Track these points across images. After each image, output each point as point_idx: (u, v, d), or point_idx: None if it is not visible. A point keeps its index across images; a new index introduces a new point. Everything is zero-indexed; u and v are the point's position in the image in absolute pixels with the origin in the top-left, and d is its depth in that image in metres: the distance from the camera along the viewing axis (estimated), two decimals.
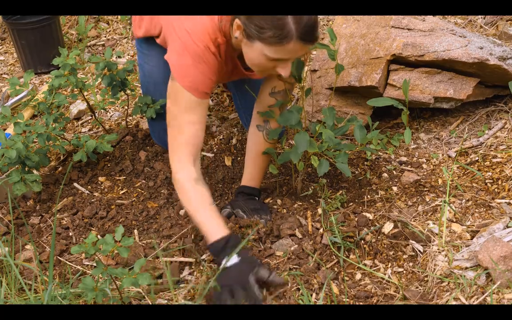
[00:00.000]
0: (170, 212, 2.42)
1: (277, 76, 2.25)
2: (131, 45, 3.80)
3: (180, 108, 2.14)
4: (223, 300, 1.90)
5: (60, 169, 2.76)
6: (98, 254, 1.96)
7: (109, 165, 2.74)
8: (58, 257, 2.27)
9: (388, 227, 2.23)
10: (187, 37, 2.08)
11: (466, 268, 2.03)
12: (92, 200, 2.54)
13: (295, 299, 1.97)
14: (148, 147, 2.80)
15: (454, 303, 1.91)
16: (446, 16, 3.44)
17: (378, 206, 2.39)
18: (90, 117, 3.17)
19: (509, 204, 2.29)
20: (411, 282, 2.05)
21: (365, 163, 2.66)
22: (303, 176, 2.50)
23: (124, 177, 2.68)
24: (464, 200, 2.36)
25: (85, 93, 3.16)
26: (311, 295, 1.99)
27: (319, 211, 2.30)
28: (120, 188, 2.62)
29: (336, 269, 2.10)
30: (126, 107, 3.02)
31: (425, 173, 2.56)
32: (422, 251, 2.15)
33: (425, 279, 2.05)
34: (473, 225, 2.22)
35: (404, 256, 2.15)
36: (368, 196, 2.44)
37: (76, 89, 3.20)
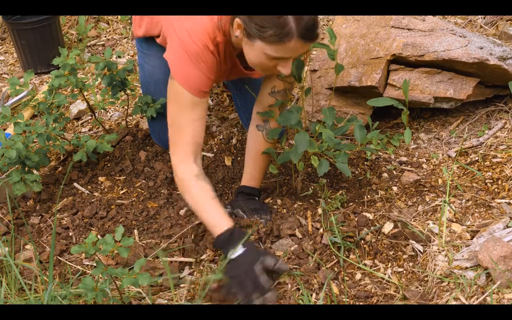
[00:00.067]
0: (170, 212, 2.42)
1: (277, 76, 2.25)
2: (131, 45, 3.80)
3: (179, 107, 2.14)
4: (232, 291, 1.92)
5: (60, 169, 2.76)
6: (98, 254, 1.96)
7: (109, 165, 2.74)
8: (58, 257, 2.27)
9: (388, 227, 2.23)
10: (186, 36, 2.09)
11: (466, 268, 2.03)
12: (92, 200, 2.54)
13: (295, 299, 1.97)
14: (148, 147, 2.80)
15: (454, 303, 1.91)
16: (446, 16, 3.44)
17: (378, 206, 2.39)
18: (90, 117, 3.17)
19: (509, 204, 2.29)
20: (411, 282, 2.05)
21: (365, 162, 2.66)
22: (303, 176, 2.50)
23: (124, 177, 2.68)
24: (464, 200, 2.36)
25: (85, 93, 3.16)
26: (311, 295, 1.99)
27: (319, 211, 2.30)
28: (120, 188, 2.62)
29: (336, 269, 2.10)
30: (126, 107, 3.02)
31: (425, 173, 2.56)
32: (422, 251, 2.15)
33: (425, 279, 2.05)
34: (473, 225, 2.22)
35: (404, 256, 2.15)
36: (368, 196, 2.44)
37: (76, 89, 3.20)
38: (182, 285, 2.10)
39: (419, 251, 2.15)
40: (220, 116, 3.04)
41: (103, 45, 3.84)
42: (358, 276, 2.09)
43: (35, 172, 2.59)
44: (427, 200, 2.39)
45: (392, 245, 2.18)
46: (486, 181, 2.43)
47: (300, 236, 2.21)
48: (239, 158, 2.76)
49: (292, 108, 2.25)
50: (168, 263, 2.18)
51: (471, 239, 2.16)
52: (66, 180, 2.64)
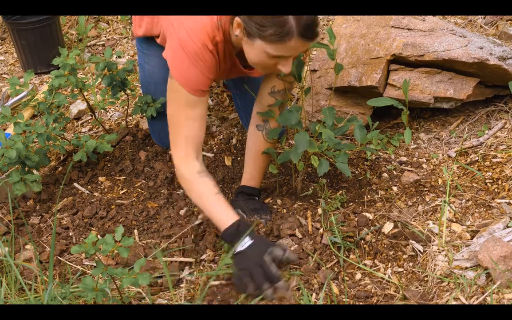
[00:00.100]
0: (170, 212, 2.42)
1: (276, 75, 2.25)
2: (131, 45, 3.80)
3: (179, 105, 2.15)
4: (244, 283, 1.94)
5: (60, 169, 2.76)
6: (98, 254, 1.96)
7: (109, 165, 2.74)
8: (58, 257, 2.27)
9: (388, 227, 2.23)
10: (185, 35, 2.09)
11: (466, 268, 2.03)
12: (92, 200, 2.54)
13: (295, 299, 1.97)
14: (148, 147, 2.80)
15: (454, 303, 1.91)
16: (446, 16, 3.44)
17: (378, 206, 2.39)
18: (90, 117, 3.17)
19: (509, 204, 2.29)
20: (411, 282, 2.05)
21: (365, 162, 2.66)
22: (303, 175, 2.50)
23: (124, 177, 2.68)
24: (464, 200, 2.36)
25: (85, 93, 3.16)
26: (311, 295, 1.99)
27: (319, 211, 2.30)
28: (120, 188, 2.62)
29: (336, 269, 2.10)
30: (126, 107, 3.02)
31: (425, 173, 2.56)
32: (422, 251, 2.15)
33: (425, 279, 2.05)
34: (473, 225, 2.22)
35: (404, 256, 2.15)
36: (368, 196, 2.44)
37: (76, 89, 3.20)
38: (182, 285, 2.10)
39: (419, 251, 2.15)
40: (220, 116, 3.04)
41: (103, 45, 3.84)
42: (358, 276, 2.09)
43: (35, 172, 2.59)
44: (427, 200, 2.39)
45: (392, 245, 2.18)
46: (486, 181, 2.43)
47: (300, 236, 2.21)
48: (239, 158, 2.76)
49: (292, 108, 2.25)
50: (168, 263, 2.18)
51: (471, 239, 2.16)
52: (66, 180, 2.64)
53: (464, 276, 1.98)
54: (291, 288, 1.99)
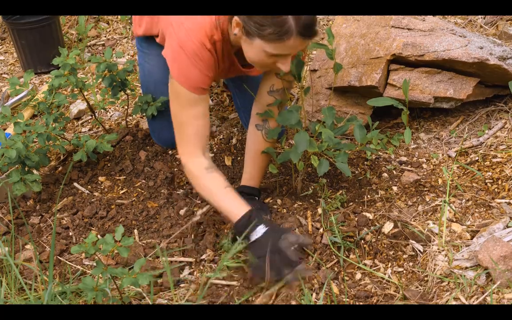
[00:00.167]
0: (170, 212, 2.42)
1: (275, 74, 2.25)
2: (131, 45, 3.80)
3: (181, 105, 2.15)
4: (262, 271, 1.94)
5: (60, 168, 2.76)
6: (98, 254, 1.96)
7: (109, 165, 2.74)
8: (58, 256, 2.27)
9: (388, 227, 2.23)
10: (184, 34, 2.09)
11: (466, 267, 2.03)
12: (92, 200, 2.54)
13: (296, 299, 1.97)
14: (148, 147, 2.80)
15: (454, 303, 1.91)
16: (446, 16, 3.44)
17: (378, 205, 2.39)
18: (90, 117, 3.17)
19: (509, 203, 2.29)
20: (411, 282, 2.05)
21: (365, 162, 2.66)
22: (303, 175, 2.50)
23: (124, 177, 2.68)
24: (464, 200, 2.36)
25: (85, 93, 3.16)
26: (311, 295, 1.99)
27: (319, 210, 2.30)
28: (120, 187, 2.62)
29: (336, 269, 2.10)
30: (126, 107, 3.02)
31: (425, 173, 2.56)
32: (422, 250, 2.15)
33: (425, 279, 2.05)
34: (473, 225, 2.22)
35: (404, 256, 2.15)
36: (368, 196, 2.44)
37: (76, 89, 3.20)
38: (182, 285, 2.10)
39: (419, 251, 2.15)
40: (220, 116, 3.04)
41: (103, 45, 3.84)
42: (358, 276, 2.09)
43: (35, 171, 2.59)
44: (427, 199, 2.39)
45: (392, 245, 2.18)
46: (486, 181, 2.43)
47: None
48: (239, 158, 2.76)
49: (291, 108, 2.25)
50: (168, 263, 2.17)
51: (471, 239, 2.16)
52: (66, 180, 2.64)
53: (464, 276, 1.98)
54: (310, 268, 2.03)
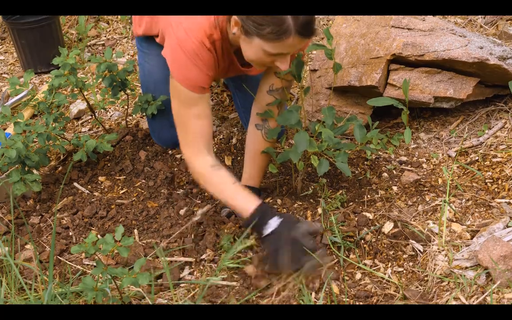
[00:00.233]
0: (170, 212, 2.42)
1: (274, 73, 2.25)
2: (131, 45, 3.80)
3: (182, 104, 2.16)
4: (280, 262, 1.96)
5: (60, 168, 2.76)
6: (98, 254, 1.96)
7: (109, 165, 2.74)
8: (58, 256, 2.27)
9: (388, 227, 2.23)
10: (183, 34, 2.09)
11: (466, 267, 2.03)
12: (92, 200, 2.54)
13: (296, 299, 1.97)
14: (148, 147, 2.80)
15: (454, 302, 1.91)
16: (446, 16, 3.44)
17: (378, 205, 2.39)
18: (90, 117, 3.17)
19: (509, 203, 2.29)
20: (411, 282, 2.05)
21: (365, 162, 2.66)
22: (303, 175, 2.50)
23: (124, 177, 2.68)
24: (464, 200, 2.36)
25: (85, 93, 3.16)
26: (311, 295, 1.99)
27: (319, 210, 2.30)
28: (120, 187, 2.62)
29: (336, 268, 2.10)
30: (126, 107, 3.02)
31: (425, 173, 2.56)
32: (422, 250, 2.15)
33: (425, 278, 2.05)
34: (473, 225, 2.22)
35: (404, 256, 2.14)
36: (368, 196, 2.44)
37: (76, 89, 3.20)
38: (182, 285, 2.10)
39: (419, 250, 2.15)
40: (220, 116, 3.04)
41: (103, 44, 3.84)
42: (358, 275, 2.09)
43: (35, 171, 2.59)
44: (427, 199, 2.39)
45: (392, 245, 2.18)
46: (486, 181, 2.43)
47: None
48: (239, 158, 2.76)
49: (291, 107, 2.25)
50: (168, 262, 2.17)
51: (471, 239, 2.15)
52: (66, 180, 2.64)
53: (464, 275, 1.98)
54: (328, 254, 2.06)
